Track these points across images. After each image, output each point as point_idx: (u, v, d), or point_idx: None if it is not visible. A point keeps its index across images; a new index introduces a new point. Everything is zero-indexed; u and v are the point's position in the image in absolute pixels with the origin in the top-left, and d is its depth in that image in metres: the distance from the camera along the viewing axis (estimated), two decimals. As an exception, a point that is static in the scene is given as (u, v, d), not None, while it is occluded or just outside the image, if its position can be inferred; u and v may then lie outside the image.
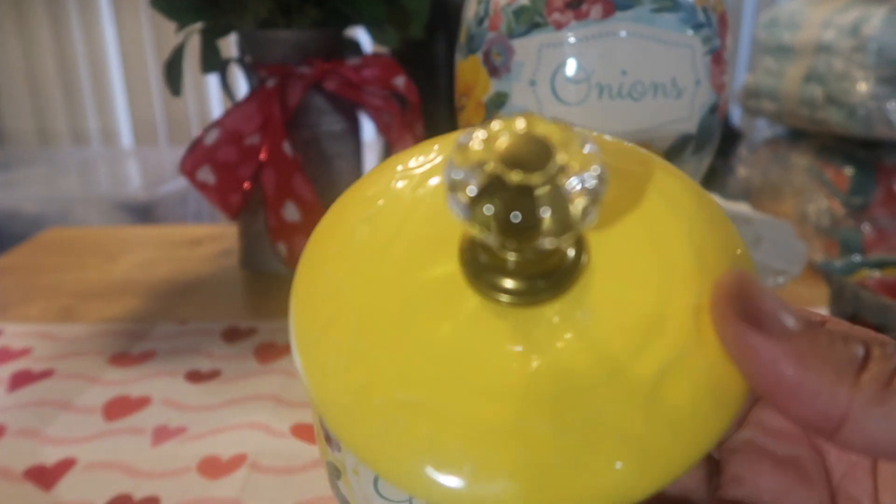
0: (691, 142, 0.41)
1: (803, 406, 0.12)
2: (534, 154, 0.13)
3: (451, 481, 0.14)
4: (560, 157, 0.13)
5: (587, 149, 0.13)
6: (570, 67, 0.39)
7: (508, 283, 0.15)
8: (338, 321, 0.15)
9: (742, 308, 0.13)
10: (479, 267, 0.15)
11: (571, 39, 0.39)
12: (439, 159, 0.18)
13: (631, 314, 0.15)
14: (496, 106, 0.42)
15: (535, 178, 0.13)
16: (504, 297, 0.15)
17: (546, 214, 0.13)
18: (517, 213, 0.13)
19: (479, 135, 0.14)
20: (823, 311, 0.49)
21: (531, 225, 0.13)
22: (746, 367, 0.13)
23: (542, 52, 0.39)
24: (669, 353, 0.14)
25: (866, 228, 0.59)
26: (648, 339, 0.14)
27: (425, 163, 0.18)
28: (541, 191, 0.13)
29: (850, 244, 0.59)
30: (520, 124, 0.14)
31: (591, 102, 0.39)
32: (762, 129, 0.88)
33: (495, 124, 0.14)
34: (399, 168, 0.18)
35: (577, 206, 0.13)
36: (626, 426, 0.14)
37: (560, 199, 0.13)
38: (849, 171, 0.60)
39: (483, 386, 0.14)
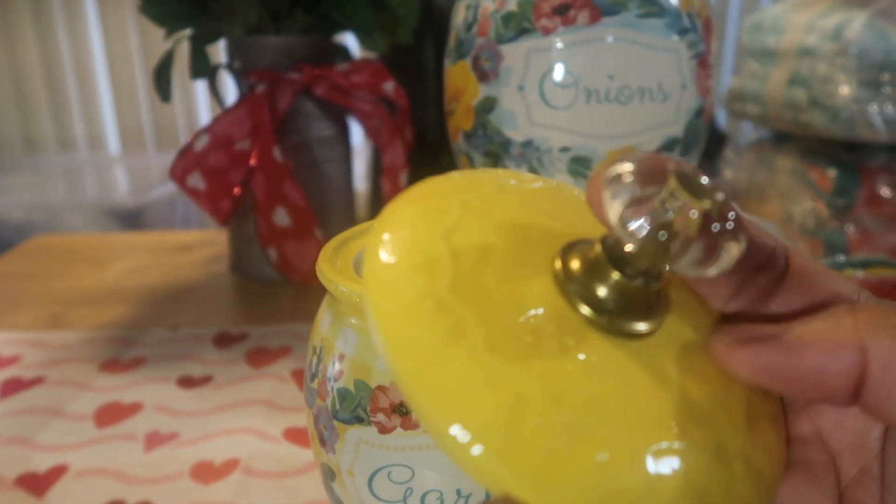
0: (678, 145, 0.42)
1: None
2: (698, 187, 0.14)
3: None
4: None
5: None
6: (558, 72, 0.40)
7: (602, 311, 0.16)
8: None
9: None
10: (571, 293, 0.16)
11: (559, 45, 0.39)
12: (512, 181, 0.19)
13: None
14: (485, 111, 0.43)
15: (703, 205, 0.14)
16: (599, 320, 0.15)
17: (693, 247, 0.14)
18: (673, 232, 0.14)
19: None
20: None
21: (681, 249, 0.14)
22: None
23: (530, 57, 0.40)
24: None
25: (850, 229, 0.59)
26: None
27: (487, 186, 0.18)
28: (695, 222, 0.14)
29: (835, 245, 0.60)
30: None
31: (578, 107, 0.40)
32: (747, 132, 0.89)
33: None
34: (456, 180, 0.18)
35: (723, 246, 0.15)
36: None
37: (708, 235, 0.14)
38: (832, 172, 0.61)
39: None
